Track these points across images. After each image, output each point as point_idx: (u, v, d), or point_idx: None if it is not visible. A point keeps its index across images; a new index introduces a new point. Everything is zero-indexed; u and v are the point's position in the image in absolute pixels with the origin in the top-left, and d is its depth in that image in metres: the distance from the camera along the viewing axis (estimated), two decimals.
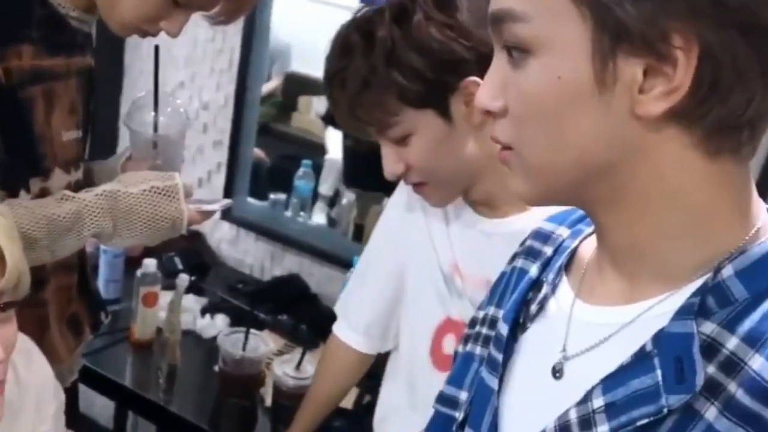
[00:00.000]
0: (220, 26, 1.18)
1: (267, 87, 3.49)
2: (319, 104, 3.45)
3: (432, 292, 1.17)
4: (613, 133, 0.53)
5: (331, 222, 2.69)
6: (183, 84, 2.36)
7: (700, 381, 0.50)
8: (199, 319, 1.97)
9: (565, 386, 0.60)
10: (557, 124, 0.54)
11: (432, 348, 1.18)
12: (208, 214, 1.22)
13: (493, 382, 0.67)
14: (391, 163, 1.06)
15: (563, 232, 0.72)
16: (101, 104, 1.59)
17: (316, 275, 2.26)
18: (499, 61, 0.57)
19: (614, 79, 0.51)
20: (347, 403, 1.57)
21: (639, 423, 0.52)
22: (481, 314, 0.78)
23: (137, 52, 2.41)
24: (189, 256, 2.22)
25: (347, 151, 2.46)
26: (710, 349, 0.51)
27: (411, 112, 1.00)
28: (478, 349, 0.75)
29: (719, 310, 0.52)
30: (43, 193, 1.09)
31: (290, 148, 3.32)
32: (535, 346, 0.66)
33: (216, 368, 1.66)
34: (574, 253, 0.68)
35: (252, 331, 1.61)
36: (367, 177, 1.99)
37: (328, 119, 2.74)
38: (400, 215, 1.24)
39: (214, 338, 1.74)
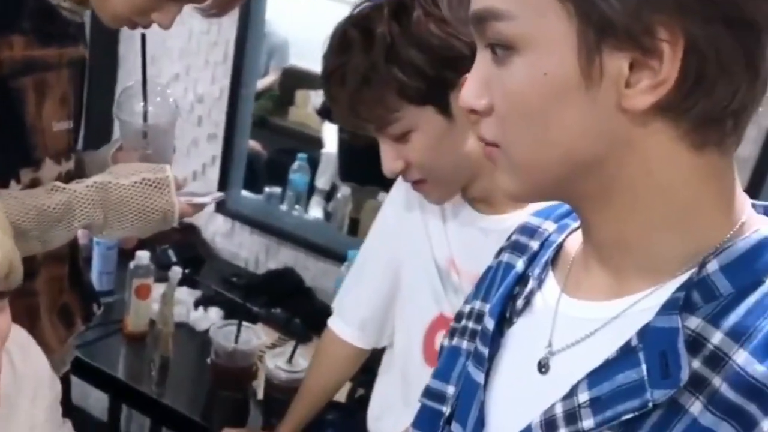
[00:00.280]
0: (215, 18, 1.18)
1: (264, 82, 3.50)
2: (316, 98, 3.44)
3: (427, 289, 1.17)
4: (600, 127, 0.53)
5: (328, 216, 2.69)
6: (178, 76, 2.35)
7: (684, 376, 0.50)
8: (193, 312, 1.97)
9: (551, 381, 0.60)
10: (543, 120, 0.54)
11: (424, 344, 1.18)
12: (199, 207, 1.22)
13: (480, 377, 0.67)
14: (390, 160, 1.05)
15: (549, 226, 0.72)
16: (96, 95, 1.59)
17: (311, 269, 2.26)
18: (483, 60, 0.57)
19: (600, 74, 0.51)
20: (340, 396, 1.58)
21: (624, 417, 0.52)
22: (467, 308, 0.78)
23: (132, 43, 2.40)
24: (183, 248, 2.22)
25: (343, 144, 2.46)
26: (695, 343, 0.51)
27: (411, 109, 1.00)
28: (464, 343, 0.75)
29: (704, 305, 0.52)
30: (34, 184, 1.09)
31: (287, 142, 3.32)
32: (522, 341, 0.66)
33: (209, 361, 1.66)
34: (560, 247, 0.68)
35: (244, 323, 1.61)
36: (363, 171, 1.99)
37: (325, 113, 2.74)
38: (398, 211, 1.24)
39: (208, 331, 1.74)
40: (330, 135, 2.95)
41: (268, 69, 3.59)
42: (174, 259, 2.15)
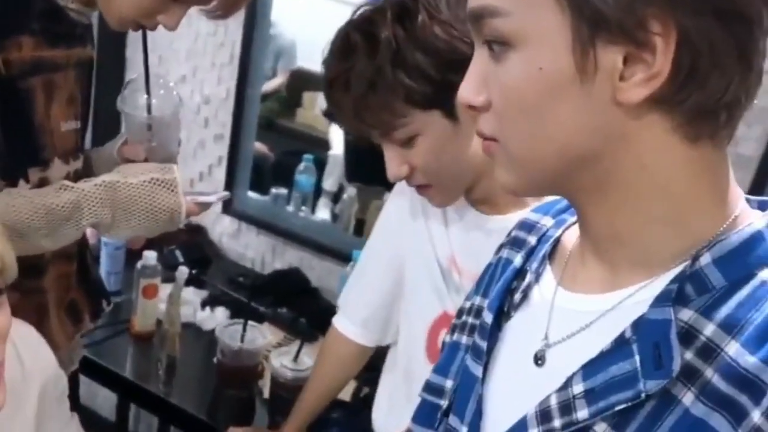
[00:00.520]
0: (221, 20, 1.19)
1: (272, 84, 3.50)
2: (323, 100, 3.44)
3: (429, 287, 1.17)
4: (596, 121, 0.53)
5: (335, 218, 2.69)
6: (185, 78, 2.37)
7: (677, 367, 0.51)
8: (199, 312, 1.98)
9: (546, 373, 0.61)
10: (540, 115, 0.55)
11: (428, 342, 1.19)
12: (205, 206, 1.23)
13: (478, 370, 0.68)
14: (395, 165, 1.04)
15: (547, 221, 0.73)
16: (104, 95, 1.60)
17: (316, 269, 2.27)
18: (480, 56, 0.58)
19: (595, 68, 0.51)
20: (345, 395, 1.58)
21: (617, 408, 0.53)
22: (467, 304, 0.78)
23: (139, 44, 2.40)
24: (190, 249, 2.24)
25: (348, 145, 2.46)
26: (688, 335, 0.52)
27: (418, 114, 0.99)
28: (464, 339, 0.76)
29: (697, 298, 0.53)
30: (42, 183, 1.11)
31: (294, 144, 3.32)
32: (519, 334, 0.67)
33: (215, 360, 1.67)
34: (557, 242, 0.69)
35: (250, 323, 1.62)
36: (369, 171, 1.99)
37: (332, 115, 2.74)
38: (400, 210, 1.24)
39: (214, 331, 1.75)
40: (337, 137, 2.95)
41: (276, 71, 3.59)
42: (181, 259, 2.16)
